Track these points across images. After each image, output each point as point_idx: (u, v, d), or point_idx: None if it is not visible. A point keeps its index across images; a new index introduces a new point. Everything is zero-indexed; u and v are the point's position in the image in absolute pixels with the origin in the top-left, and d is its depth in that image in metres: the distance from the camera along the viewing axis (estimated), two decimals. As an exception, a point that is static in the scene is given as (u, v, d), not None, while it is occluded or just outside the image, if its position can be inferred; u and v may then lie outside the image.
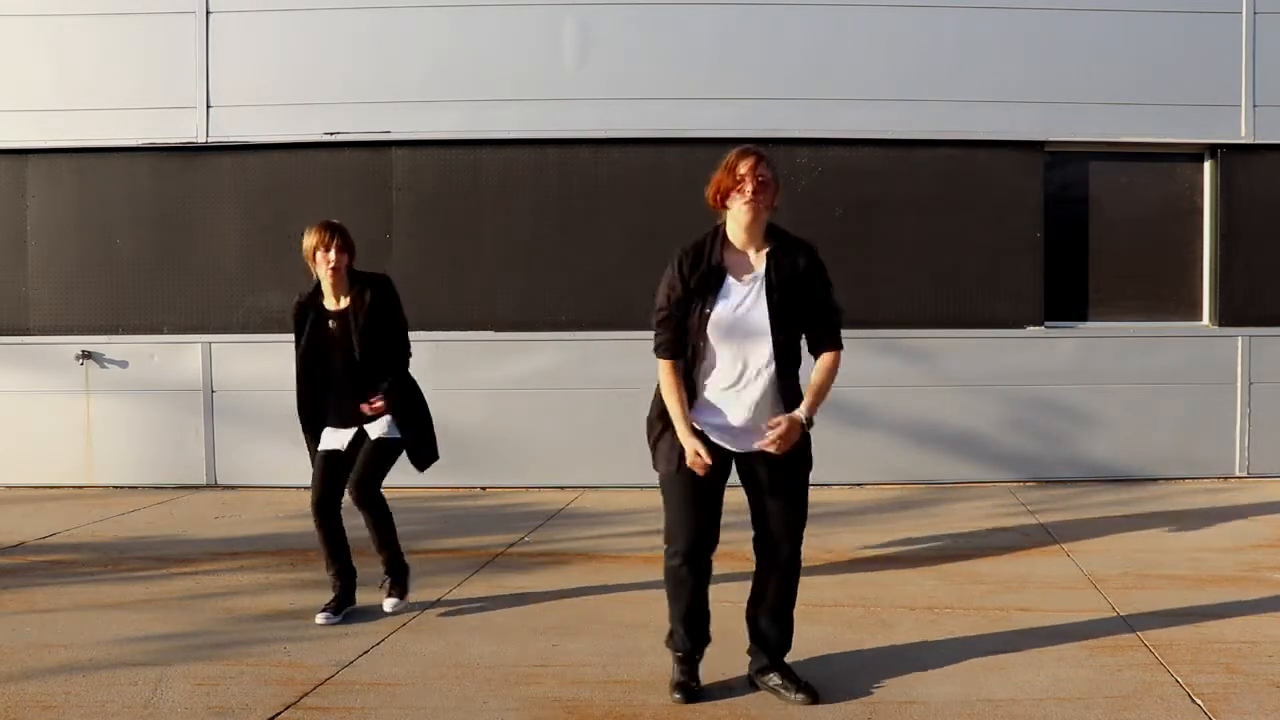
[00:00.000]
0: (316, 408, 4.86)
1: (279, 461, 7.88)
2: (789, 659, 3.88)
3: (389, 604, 4.80)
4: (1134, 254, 8.01)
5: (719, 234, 3.69)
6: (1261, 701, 3.63)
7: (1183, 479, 7.79)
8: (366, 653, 4.26)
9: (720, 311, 3.60)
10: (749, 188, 3.57)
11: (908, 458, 7.83)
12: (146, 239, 8.05)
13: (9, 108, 7.99)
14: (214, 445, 8.00)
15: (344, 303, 4.76)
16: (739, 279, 3.64)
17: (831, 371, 3.71)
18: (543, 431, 7.89)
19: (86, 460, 8.06)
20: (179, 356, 8.03)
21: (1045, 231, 7.84)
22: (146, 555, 5.92)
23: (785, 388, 3.64)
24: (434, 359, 7.55)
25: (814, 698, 3.68)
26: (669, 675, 3.85)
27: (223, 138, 7.93)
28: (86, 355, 8.03)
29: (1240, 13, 7.72)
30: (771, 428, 3.57)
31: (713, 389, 3.68)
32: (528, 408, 7.88)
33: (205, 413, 8.01)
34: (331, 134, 7.89)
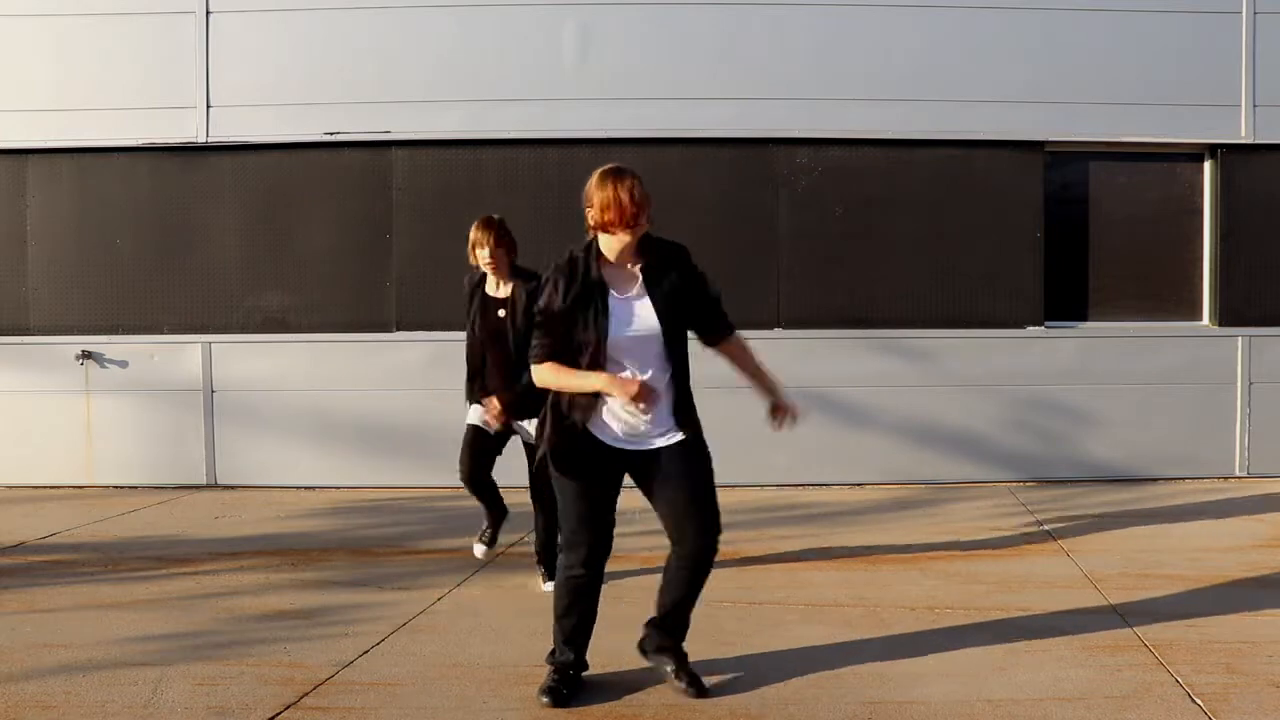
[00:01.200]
0: (477, 382, 5.15)
1: (279, 461, 7.89)
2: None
3: (478, 549, 5.46)
4: (1134, 254, 8.01)
5: (592, 248, 3.68)
6: (1261, 701, 3.63)
7: (1183, 479, 7.79)
8: (366, 653, 4.26)
9: (613, 329, 3.61)
10: (630, 215, 3.55)
11: (907, 457, 7.83)
12: (146, 239, 8.05)
13: (9, 108, 7.98)
14: (214, 445, 8.00)
15: (504, 291, 5.05)
16: (621, 293, 3.66)
17: (748, 349, 3.89)
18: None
19: (86, 460, 8.06)
20: (179, 356, 8.02)
21: (1045, 231, 7.84)
22: (146, 555, 5.92)
23: (678, 390, 3.70)
24: (434, 359, 7.55)
25: (701, 692, 3.76)
26: (669, 676, 3.85)
27: (223, 138, 7.93)
28: (86, 355, 8.03)
29: (1240, 13, 7.72)
30: (778, 413, 3.79)
31: (611, 407, 3.68)
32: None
33: (205, 413, 8.01)
34: (331, 134, 7.89)
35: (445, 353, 7.78)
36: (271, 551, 6.00)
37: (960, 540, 6.08)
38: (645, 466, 3.71)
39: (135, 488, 7.97)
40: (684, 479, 3.68)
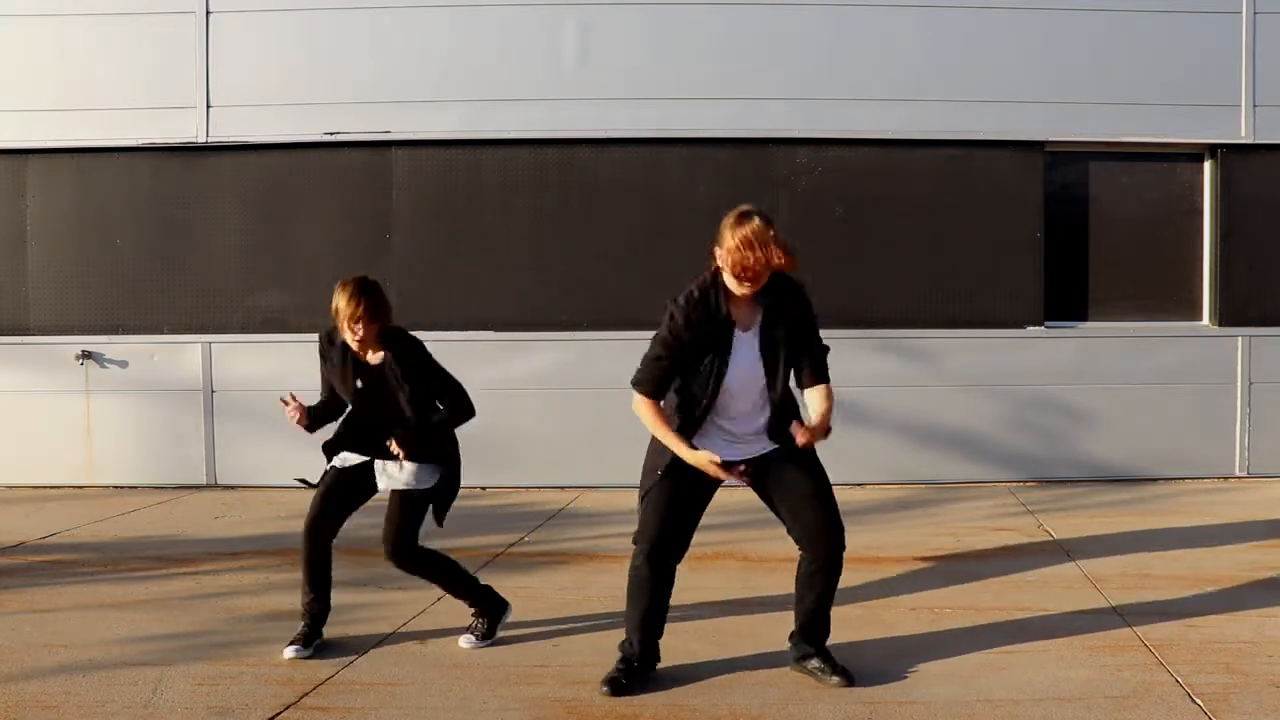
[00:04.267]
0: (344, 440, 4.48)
1: (279, 461, 7.87)
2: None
3: (464, 640, 4.36)
4: (1134, 254, 8.01)
5: (718, 282, 3.76)
6: (1261, 701, 3.63)
7: (1183, 479, 7.79)
8: (366, 653, 4.26)
9: (733, 368, 3.75)
10: (761, 266, 3.65)
11: (908, 457, 7.83)
12: (146, 239, 8.05)
13: (9, 108, 7.99)
14: (214, 445, 8.00)
15: (375, 358, 4.39)
16: (744, 330, 3.78)
17: (828, 399, 3.86)
18: (543, 431, 7.89)
19: (86, 460, 8.06)
20: (179, 356, 8.03)
21: (1045, 231, 7.84)
22: (146, 555, 5.92)
23: (779, 419, 3.82)
24: (434, 359, 7.55)
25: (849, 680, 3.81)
26: (671, 675, 3.85)
27: (223, 138, 7.93)
28: (86, 355, 8.03)
29: (1240, 13, 7.72)
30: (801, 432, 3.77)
31: (716, 422, 3.83)
32: (528, 408, 7.87)
33: (205, 413, 8.01)
34: (331, 134, 7.89)
35: (445, 353, 7.72)
36: (271, 551, 6.00)
37: (961, 540, 6.08)
38: (763, 474, 3.85)
39: (135, 488, 7.97)
40: (798, 485, 3.81)
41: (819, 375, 3.88)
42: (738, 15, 7.79)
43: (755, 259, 3.62)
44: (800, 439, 3.75)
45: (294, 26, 7.90)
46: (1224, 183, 7.83)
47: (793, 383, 3.87)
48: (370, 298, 4.27)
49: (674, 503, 3.82)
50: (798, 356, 3.84)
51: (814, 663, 3.88)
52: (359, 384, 4.36)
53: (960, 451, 7.84)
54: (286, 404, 4.42)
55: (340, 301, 4.26)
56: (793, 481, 3.84)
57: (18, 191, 8.09)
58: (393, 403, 4.32)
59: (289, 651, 4.23)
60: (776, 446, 3.84)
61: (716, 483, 3.85)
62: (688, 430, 3.79)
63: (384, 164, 7.93)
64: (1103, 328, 7.96)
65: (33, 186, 8.09)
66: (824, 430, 3.79)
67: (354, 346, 4.33)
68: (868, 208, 7.81)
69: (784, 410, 3.84)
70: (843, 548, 3.88)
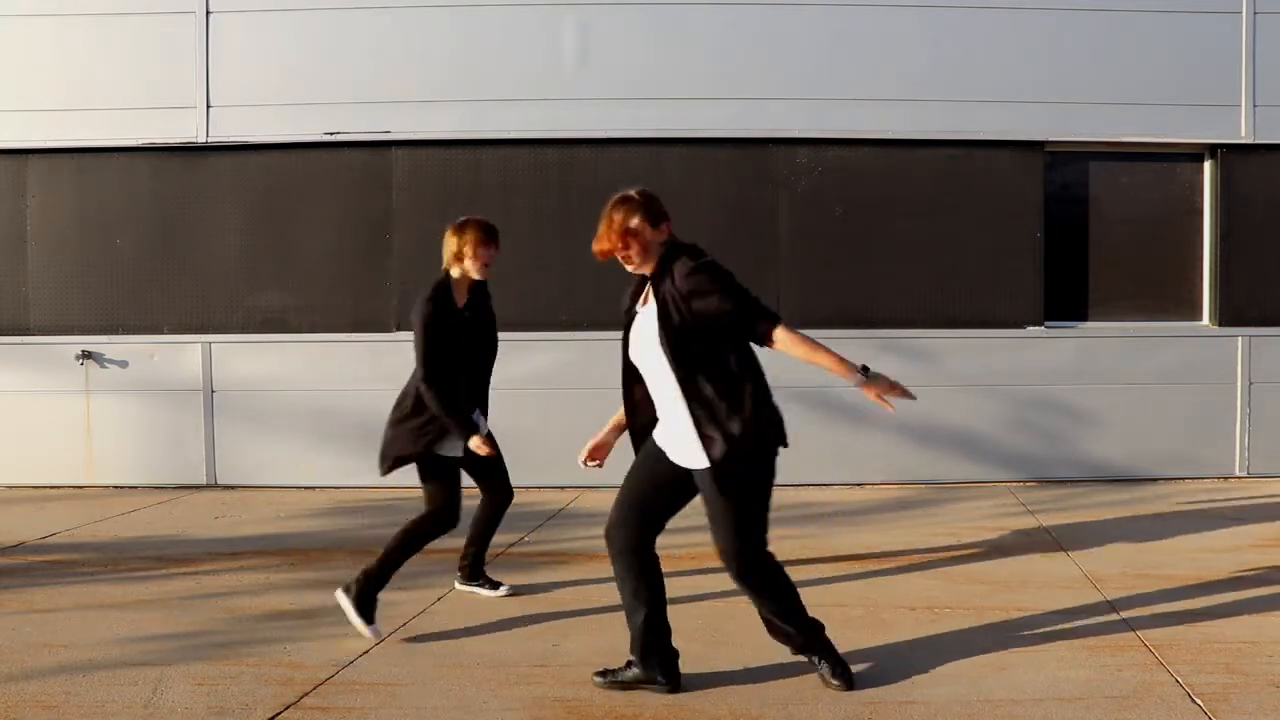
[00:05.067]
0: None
1: (279, 461, 7.89)
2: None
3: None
4: (1134, 254, 8.01)
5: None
6: (1261, 701, 3.63)
7: (1183, 479, 7.79)
8: (366, 653, 4.26)
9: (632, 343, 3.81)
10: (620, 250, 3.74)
11: (908, 457, 7.83)
12: (146, 239, 8.05)
13: (9, 108, 7.99)
14: (214, 445, 8.00)
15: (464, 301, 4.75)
16: (642, 306, 3.83)
17: (799, 341, 3.65)
18: (543, 431, 7.88)
19: (86, 460, 8.06)
20: (179, 356, 8.03)
21: (1045, 231, 7.84)
22: (146, 555, 5.92)
23: (696, 411, 3.64)
24: (434, 359, 7.55)
25: (848, 684, 3.77)
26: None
27: (223, 138, 7.93)
28: (86, 355, 8.03)
29: (1240, 13, 7.72)
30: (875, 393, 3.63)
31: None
32: (528, 408, 7.87)
33: (205, 413, 8.01)
34: (331, 134, 7.89)
35: (445, 353, 7.79)
36: (271, 551, 6.00)
37: (961, 540, 6.08)
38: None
39: (135, 488, 7.98)
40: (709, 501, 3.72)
41: (766, 321, 3.64)
42: (738, 15, 7.79)
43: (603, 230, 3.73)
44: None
45: (294, 26, 7.90)
46: (1224, 183, 7.83)
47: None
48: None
49: (640, 471, 3.91)
50: (707, 324, 3.61)
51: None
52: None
53: (960, 451, 7.84)
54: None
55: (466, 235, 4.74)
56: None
57: (18, 191, 8.09)
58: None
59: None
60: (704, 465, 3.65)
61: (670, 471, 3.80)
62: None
63: (384, 164, 7.93)
64: (1103, 328, 7.96)
65: (33, 186, 8.09)
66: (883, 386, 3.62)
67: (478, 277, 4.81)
68: (868, 208, 7.81)
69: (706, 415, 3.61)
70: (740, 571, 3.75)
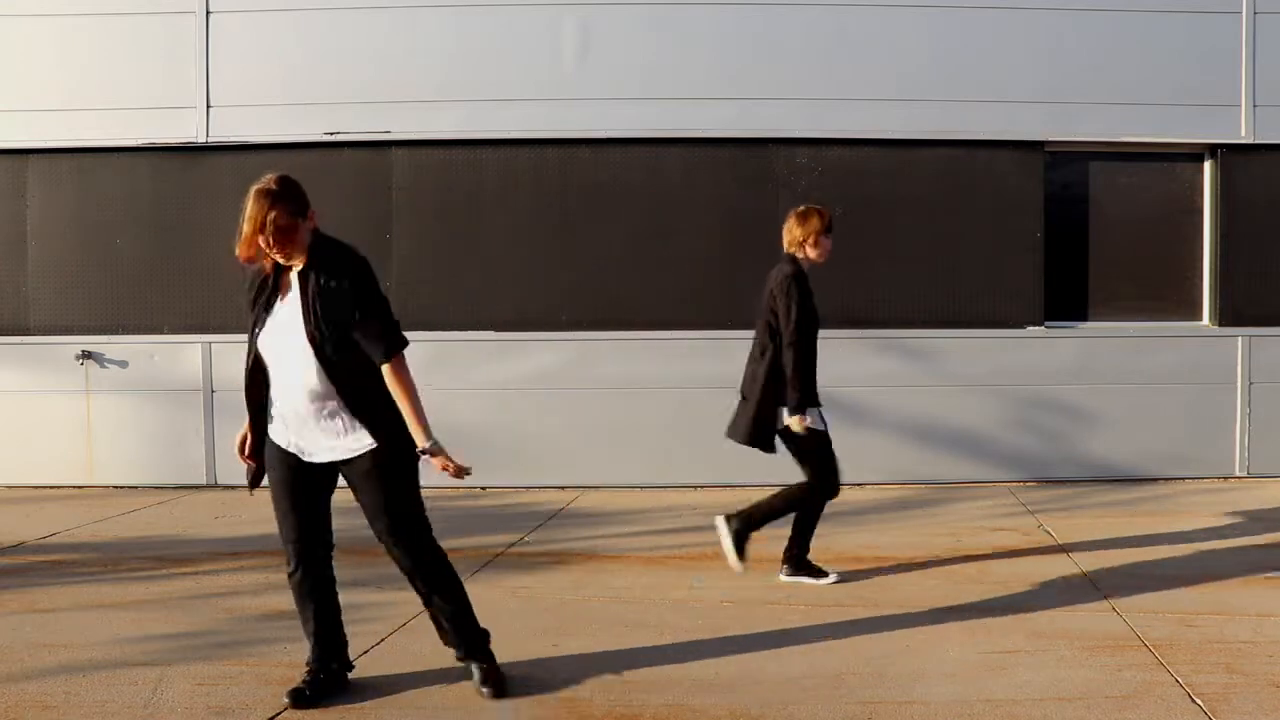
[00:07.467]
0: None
1: (279, 461, 7.88)
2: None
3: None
4: (1134, 254, 8.01)
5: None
6: (1261, 701, 3.63)
7: (1183, 479, 7.79)
8: (366, 652, 4.26)
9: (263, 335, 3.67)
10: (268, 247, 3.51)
11: (908, 457, 7.83)
12: (146, 239, 8.05)
13: (9, 108, 7.99)
14: (214, 445, 8.00)
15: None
16: (284, 299, 3.67)
17: (402, 385, 3.65)
18: (543, 431, 7.89)
19: (86, 460, 8.06)
20: (179, 356, 8.03)
21: (1045, 231, 7.84)
22: (146, 555, 5.92)
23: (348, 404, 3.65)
24: (434, 359, 7.55)
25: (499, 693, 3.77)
26: (671, 675, 3.84)
27: (223, 138, 7.94)
28: (86, 355, 8.03)
29: (1240, 13, 7.72)
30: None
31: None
32: (528, 408, 7.88)
33: (205, 413, 8.01)
34: (331, 134, 7.89)
35: (446, 352, 7.80)
36: (271, 551, 5.98)
37: (961, 540, 6.08)
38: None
39: (135, 488, 7.98)
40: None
41: (373, 349, 3.64)
42: (738, 15, 7.79)
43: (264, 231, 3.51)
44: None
45: (294, 26, 7.90)
46: (1224, 183, 7.83)
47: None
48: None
49: (290, 501, 3.96)
50: (350, 325, 3.59)
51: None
52: None
53: (960, 451, 7.85)
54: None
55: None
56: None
57: (18, 191, 8.09)
58: None
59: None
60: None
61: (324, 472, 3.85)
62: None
63: (384, 164, 7.94)
64: (1103, 328, 7.96)
65: (33, 186, 8.09)
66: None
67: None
68: (868, 208, 7.81)
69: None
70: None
